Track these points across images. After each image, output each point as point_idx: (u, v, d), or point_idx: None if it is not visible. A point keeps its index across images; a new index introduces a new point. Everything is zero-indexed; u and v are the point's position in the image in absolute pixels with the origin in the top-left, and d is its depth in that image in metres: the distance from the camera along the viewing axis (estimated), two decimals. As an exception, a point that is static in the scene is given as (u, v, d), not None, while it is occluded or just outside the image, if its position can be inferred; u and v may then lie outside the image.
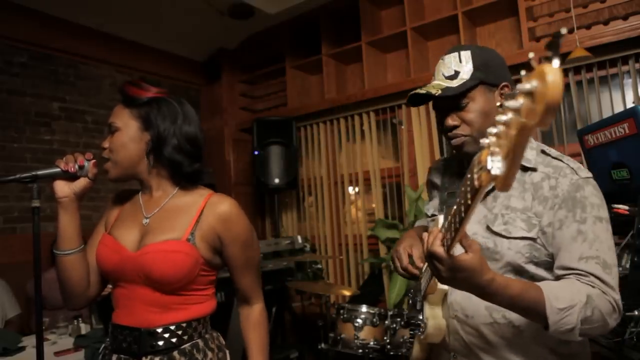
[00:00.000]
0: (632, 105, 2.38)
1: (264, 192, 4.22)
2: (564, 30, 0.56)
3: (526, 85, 0.53)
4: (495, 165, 0.59)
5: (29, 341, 2.22)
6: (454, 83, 1.14)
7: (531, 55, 0.56)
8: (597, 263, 0.99)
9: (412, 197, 3.19)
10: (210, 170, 3.73)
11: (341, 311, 2.53)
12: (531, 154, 1.12)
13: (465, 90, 1.11)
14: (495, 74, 1.14)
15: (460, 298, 1.14)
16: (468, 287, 0.92)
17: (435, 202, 1.38)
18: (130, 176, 1.28)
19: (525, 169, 1.11)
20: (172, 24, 3.73)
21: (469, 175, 0.70)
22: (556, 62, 0.51)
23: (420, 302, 1.25)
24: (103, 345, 1.29)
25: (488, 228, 1.11)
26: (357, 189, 3.74)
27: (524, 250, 1.06)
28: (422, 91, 1.16)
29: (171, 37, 3.95)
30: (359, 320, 2.47)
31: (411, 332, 1.36)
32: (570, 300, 0.93)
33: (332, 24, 3.79)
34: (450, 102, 1.15)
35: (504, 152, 0.58)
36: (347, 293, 2.63)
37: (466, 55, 1.16)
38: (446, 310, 1.18)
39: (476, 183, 0.66)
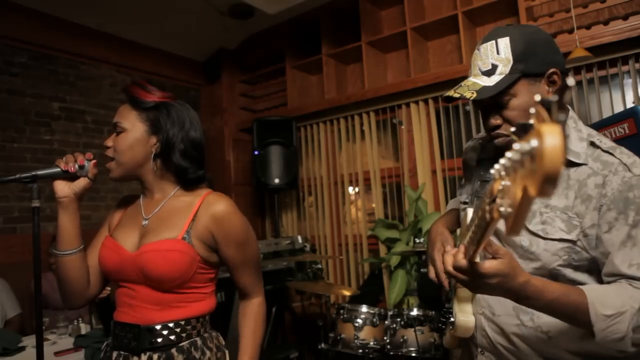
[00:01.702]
0: (632, 105, 2.39)
1: (264, 192, 4.22)
2: (571, 82, 0.51)
3: (525, 147, 0.47)
4: (505, 207, 0.54)
5: (29, 341, 2.22)
6: (492, 80, 1.01)
7: (532, 110, 0.49)
8: None
9: (412, 197, 3.19)
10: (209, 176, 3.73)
11: (341, 311, 2.53)
12: (580, 146, 1.01)
13: (505, 88, 0.99)
14: (540, 62, 1.00)
15: (488, 295, 1.07)
16: (501, 292, 0.88)
17: (468, 187, 1.27)
18: (132, 177, 1.29)
19: (571, 164, 1.00)
20: (172, 24, 3.73)
21: (485, 205, 0.65)
22: (562, 117, 0.46)
23: (451, 295, 1.22)
24: (105, 343, 1.31)
25: (524, 226, 1.02)
26: (357, 189, 3.74)
27: (562, 253, 0.98)
28: (456, 95, 1.03)
29: (171, 37, 3.95)
30: (359, 320, 2.47)
31: (442, 319, 1.33)
32: (620, 306, 0.87)
33: (332, 24, 3.79)
34: (492, 99, 1.02)
35: (511, 200, 0.53)
36: (347, 293, 2.63)
37: (504, 44, 1.01)
38: (475, 306, 1.14)
39: (487, 216, 0.63)
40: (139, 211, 1.31)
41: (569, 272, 0.99)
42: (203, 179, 1.31)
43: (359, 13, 3.50)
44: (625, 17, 2.50)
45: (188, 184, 1.30)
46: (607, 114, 2.60)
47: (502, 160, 0.55)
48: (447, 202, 2.53)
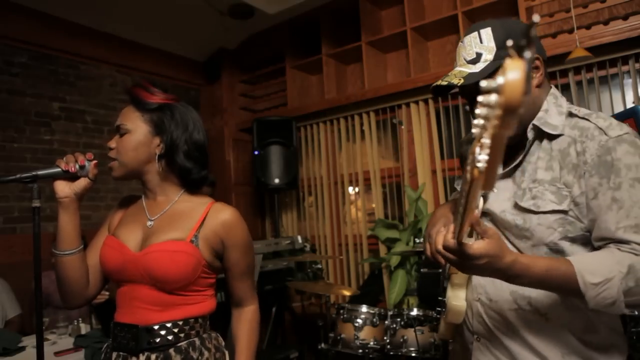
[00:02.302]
0: (632, 105, 2.39)
1: (264, 192, 4.22)
2: (536, 18, 0.51)
3: (492, 83, 0.48)
4: (482, 162, 0.55)
5: (29, 341, 2.22)
6: (477, 67, 1.03)
7: (509, 42, 0.50)
8: (635, 232, 0.92)
9: (412, 197, 3.19)
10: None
11: (341, 311, 2.53)
12: (559, 119, 1.04)
13: (490, 73, 1.00)
14: None
15: (484, 281, 1.11)
16: (490, 272, 0.90)
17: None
18: (134, 176, 1.30)
19: (552, 137, 1.04)
20: (172, 24, 3.73)
21: (467, 166, 0.66)
22: (528, 54, 0.47)
23: (446, 282, 1.24)
24: (105, 345, 1.32)
25: (516, 205, 1.04)
26: (357, 189, 3.74)
27: (555, 225, 1.00)
28: (444, 82, 1.04)
29: (171, 37, 3.95)
30: (359, 320, 2.47)
31: (438, 309, 1.34)
32: (607, 272, 0.88)
33: (332, 24, 3.78)
34: (476, 87, 1.07)
35: (485, 152, 0.54)
36: (347, 293, 2.63)
37: (486, 33, 1.04)
38: (470, 292, 1.15)
39: (468, 176, 0.64)
40: (142, 212, 1.32)
41: (567, 246, 1.01)
42: (206, 179, 1.33)
43: (359, 13, 3.50)
44: (625, 17, 2.50)
45: (192, 184, 1.32)
46: (607, 113, 2.60)
47: (476, 119, 0.55)
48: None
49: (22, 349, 2.15)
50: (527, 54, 0.48)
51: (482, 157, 0.55)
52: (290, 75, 3.94)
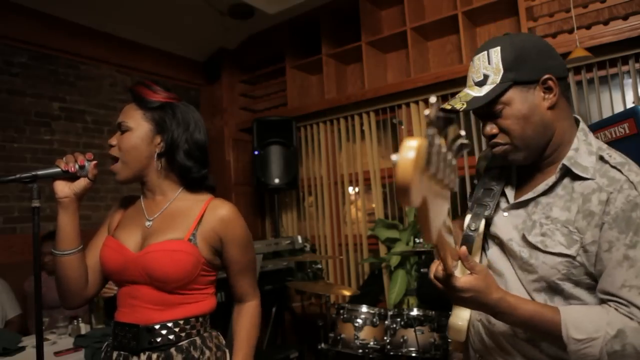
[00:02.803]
0: (632, 105, 2.39)
1: (264, 192, 4.22)
2: (432, 99, 0.55)
3: (393, 157, 0.51)
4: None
5: (29, 341, 2.22)
6: (482, 90, 1.00)
7: (426, 112, 0.55)
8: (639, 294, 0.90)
9: (412, 197, 3.19)
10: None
11: (341, 311, 2.53)
12: (589, 160, 0.99)
13: (495, 97, 0.98)
14: (532, 69, 0.99)
15: (465, 307, 1.12)
16: (476, 306, 0.94)
17: (475, 194, 1.26)
18: (138, 178, 1.30)
19: (577, 177, 0.99)
20: (172, 24, 3.73)
21: None
22: (430, 131, 0.51)
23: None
24: (106, 344, 1.32)
25: (524, 237, 1.03)
26: (357, 189, 3.74)
27: (560, 267, 0.97)
28: (448, 106, 1.00)
29: (171, 37, 3.95)
30: (359, 320, 2.47)
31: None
32: (593, 331, 0.88)
33: (332, 24, 3.78)
34: (485, 109, 1.01)
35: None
36: (347, 293, 2.63)
37: (495, 53, 1.00)
38: (474, 312, 1.16)
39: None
40: (140, 212, 1.32)
41: (569, 287, 0.99)
42: (206, 178, 1.34)
43: (359, 13, 3.50)
44: (625, 17, 2.50)
45: (191, 183, 1.32)
46: (607, 114, 2.60)
47: None
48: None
49: (22, 349, 2.14)
50: (430, 130, 0.51)
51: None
52: (290, 75, 3.94)
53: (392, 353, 2.41)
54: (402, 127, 3.38)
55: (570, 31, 2.61)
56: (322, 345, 2.55)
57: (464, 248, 0.91)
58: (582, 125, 1.06)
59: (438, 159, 0.56)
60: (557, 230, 0.98)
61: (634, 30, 2.42)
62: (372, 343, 2.44)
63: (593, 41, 2.52)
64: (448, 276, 0.90)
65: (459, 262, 0.94)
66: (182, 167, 1.28)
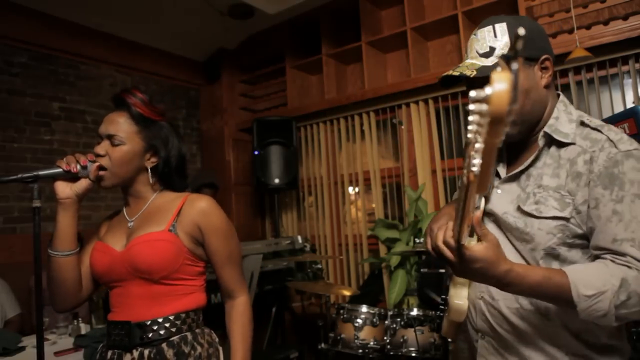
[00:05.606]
0: (632, 105, 2.39)
1: (264, 192, 4.22)
2: (521, 31, 0.53)
3: (480, 93, 0.51)
4: (476, 166, 0.58)
5: (29, 341, 2.22)
6: (490, 61, 1.03)
7: (498, 68, 0.53)
8: (632, 246, 0.92)
9: (412, 197, 3.19)
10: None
11: (341, 311, 2.53)
12: (569, 127, 1.04)
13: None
14: (535, 47, 1.04)
15: (470, 280, 1.11)
16: (483, 278, 0.91)
17: None
18: (123, 185, 1.34)
19: (562, 144, 1.04)
20: (172, 24, 3.73)
21: (464, 169, 0.67)
22: (515, 65, 0.49)
23: (448, 281, 1.24)
24: (101, 345, 1.35)
25: (519, 208, 1.06)
26: (357, 189, 3.74)
27: (555, 230, 1.00)
28: (455, 73, 1.04)
29: (171, 37, 3.95)
30: (359, 320, 2.47)
31: (441, 307, 1.36)
32: (601, 285, 0.89)
33: (332, 24, 3.78)
34: (485, 81, 1.07)
35: (479, 157, 0.56)
36: (347, 293, 2.63)
37: (502, 28, 1.06)
38: (473, 290, 1.16)
39: (464, 179, 0.65)
40: (123, 218, 1.37)
41: (564, 251, 1.02)
42: (187, 186, 1.43)
43: (359, 13, 3.50)
44: (625, 17, 2.50)
45: (174, 190, 1.40)
46: (607, 114, 2.60)
47: (470, 125, 0.57)
48: (447, 202, 2.53)
49: (22, 349, 2.14)
50: (514, 65, 0.50)
51: (476, 161, 0.57)
52: (290, 75, 3.94)
53: (392, 353, 2.41)
54: (402, 127, 3.39)
55: (570, 31, 2.61)
56: (322, 345, 2.55)
57: (478, 213, 0.88)
58: (562, 97, 1.12)
59: (517, 96, 0.56)
60: (549, 197, 1.02)
61: (634, 30, 2.42)
62: (372, 343, 2.44)
63: (593, 41, 2.52)
64: (460, 245, 0.85)
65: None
66: (171, 180, 1.37)
